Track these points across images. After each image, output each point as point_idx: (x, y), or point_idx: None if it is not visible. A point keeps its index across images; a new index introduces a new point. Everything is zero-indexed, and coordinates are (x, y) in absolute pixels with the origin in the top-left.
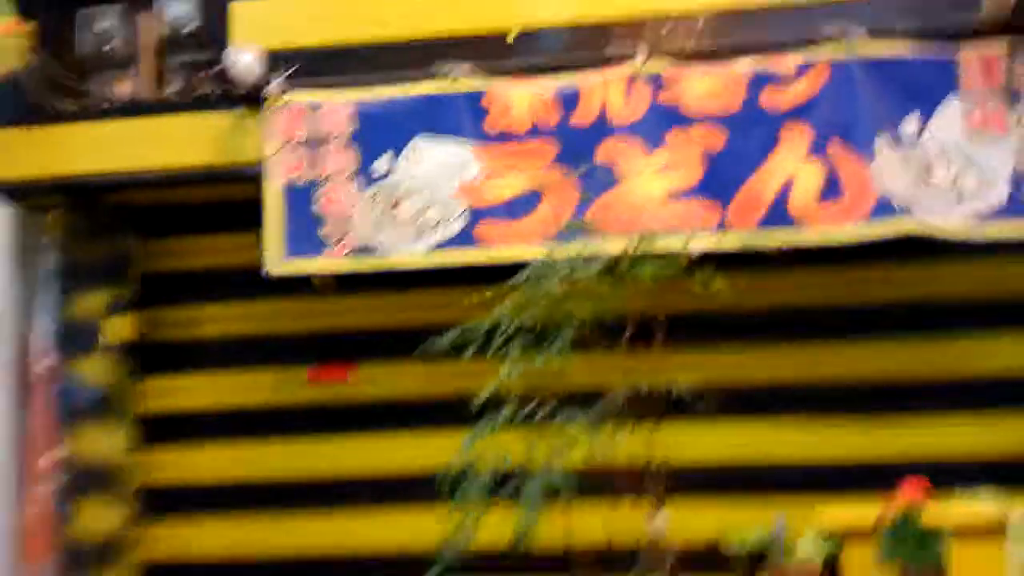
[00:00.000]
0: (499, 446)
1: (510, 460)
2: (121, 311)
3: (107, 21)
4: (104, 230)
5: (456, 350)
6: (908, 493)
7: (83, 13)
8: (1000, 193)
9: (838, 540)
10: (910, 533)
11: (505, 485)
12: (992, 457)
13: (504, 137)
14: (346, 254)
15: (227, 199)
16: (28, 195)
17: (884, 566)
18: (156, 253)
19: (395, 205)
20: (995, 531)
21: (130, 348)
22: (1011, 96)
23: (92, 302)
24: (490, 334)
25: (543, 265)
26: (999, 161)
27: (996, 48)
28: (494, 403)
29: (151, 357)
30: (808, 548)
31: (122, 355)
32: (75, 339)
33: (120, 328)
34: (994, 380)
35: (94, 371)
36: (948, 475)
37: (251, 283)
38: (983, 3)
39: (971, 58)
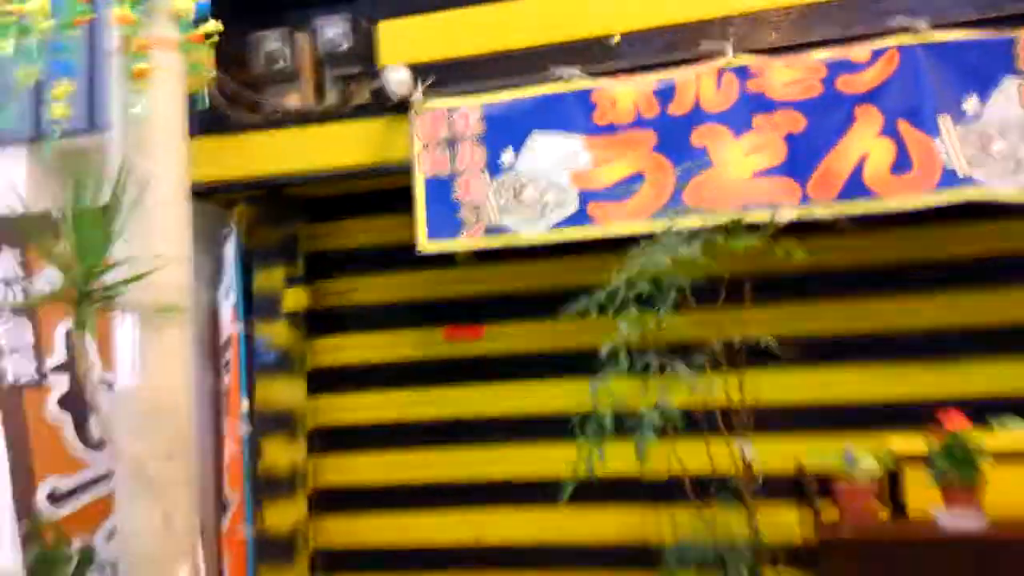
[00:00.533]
0: (617, 392)
1: (627, 403)
2: (295, 284)
3: (273, 43)
4: (278, 218)
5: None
6: (953, 422)
7: (253, 36)
8: None
9: (895, 460)
10: (954, 454)
11: (623, 424)
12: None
13: (610, 129)
14: (481, 234)
15: (373, 189)
16: (216, 193)
17: (933, 482)
18: (318, 235)
19: (519, 192)
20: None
21: (303, 315)
22: None
23: (271, 278)
24: (607, 298)
25: (651, 242)
26: None
27: None
28: (610, 356)
29: (318, 321)
30: (870, 465)
31: (297, 321)
32: (260, 309)
33: (295, 298)
34: None
35: (275, 334)
36: (990, 410)
37: (395, 258)
38: None
39: None
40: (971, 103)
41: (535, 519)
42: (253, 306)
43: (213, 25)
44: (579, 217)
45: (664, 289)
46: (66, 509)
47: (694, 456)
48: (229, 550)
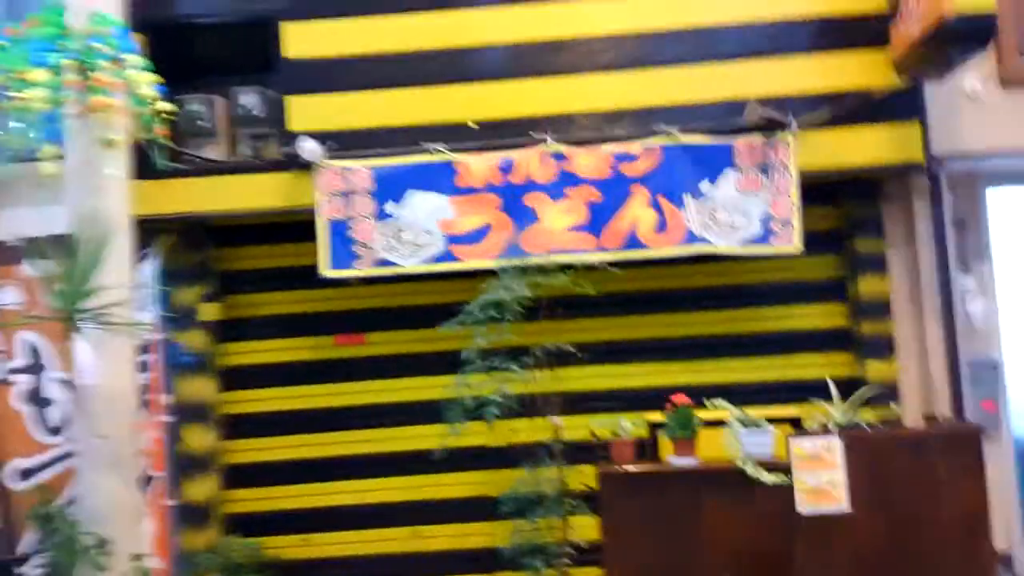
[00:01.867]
0: (473, 383)
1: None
2: (208, 300)
3: (196, 106)
4: (193, 245)
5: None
6: (679, 401)
7: (179, 98)
8: (757, 228)
9: (651, 427)
10: (679, 419)
11: (477, 407)
12: (734, 385)
13: (467, 190)
14: (370, 265)
15: (272, 222)
16: (146, 224)
17: (669, 439)
18: (228, 258)
19: (399, 234)
20: (723, 422)
21: (216, 324)
22: (763, 168)
23: (188, 294)
24: (467, 317)
25: (496, 278)
26: (756, 208)
27: (755, 139)
28: (468, 358)
29: (228, 329)
30: (632, 430)
31: (210, 329)
32: (179, 320)
33: (209, 311)
34: (751, 337)
35: (192, 341)
36: (706, 394)
37: (293, 278)
38: (745, 113)
39: (741, 145)
40: (705, 186)
41: (408, 484)
42: (172, 317)
43: (168, 106)
44: (444, 255)
45: (505, 311)
46: (30, 483)
47: (524, 431)
48: (155, 517)
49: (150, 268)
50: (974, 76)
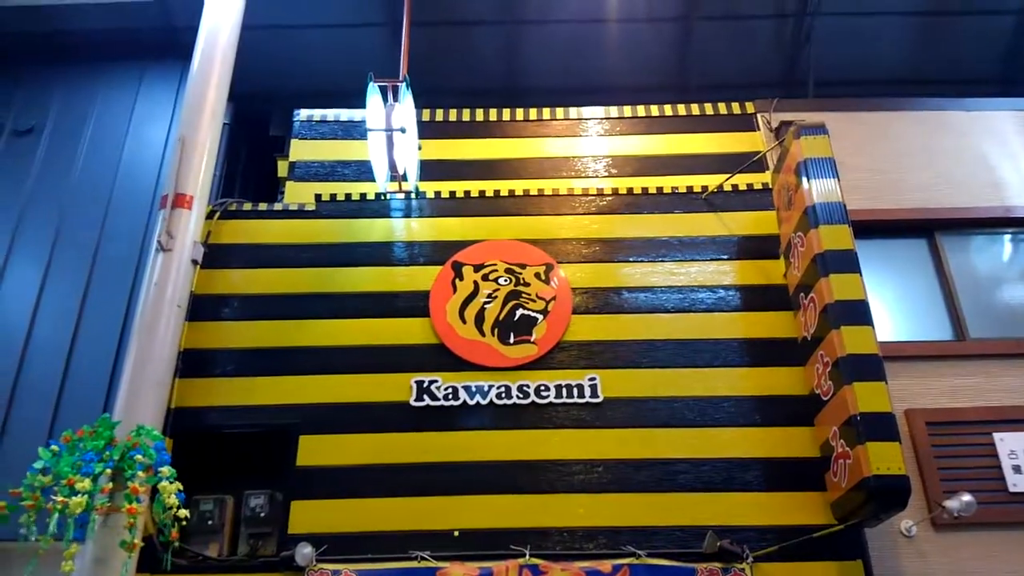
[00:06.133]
0: None
1: None
2: None
3: (209, 505)
4: None
5: None
6: None
7: (194, 499)
8: None
9: None
10: None
11: None
12: None
13: None
14: None
15: None
16: None
17: None
18: None
19: None
20: None
21: None
22: None
23: None
24: None
25: None
26: None
27: (715, 567)
28: None
29: None
30: None
31: None
32: None
33: None
34: None
35: None
36: None
37: None
38: (705, 542)
39: (703, 571)
40: None
41: None
42: None
43: (185, 512)
44: None
45: None
46: None
47: None
48: None
49: None
50: (909, 520)
